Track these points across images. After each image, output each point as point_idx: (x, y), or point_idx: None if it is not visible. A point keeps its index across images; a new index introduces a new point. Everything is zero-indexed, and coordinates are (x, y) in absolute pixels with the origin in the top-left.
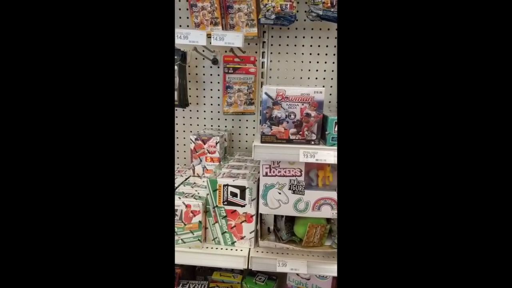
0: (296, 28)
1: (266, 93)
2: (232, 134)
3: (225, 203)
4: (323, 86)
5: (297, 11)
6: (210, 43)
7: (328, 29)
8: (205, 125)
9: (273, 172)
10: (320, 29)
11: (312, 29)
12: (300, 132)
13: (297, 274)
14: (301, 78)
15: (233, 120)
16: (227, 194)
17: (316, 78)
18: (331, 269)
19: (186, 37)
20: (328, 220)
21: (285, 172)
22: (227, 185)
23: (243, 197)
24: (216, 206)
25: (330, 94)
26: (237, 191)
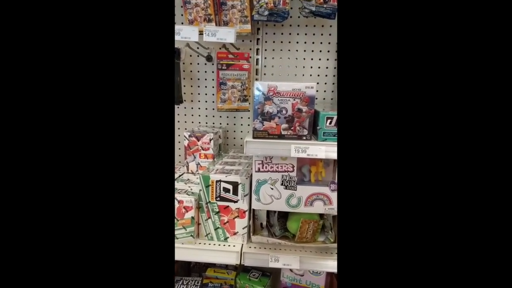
0: (290, 25)
1: (257, 89)
2: (227, 131)
3: (218, 198)
4: (317, 83)
5: (291, 8)
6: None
7: (322, 26)
8: (199, 122)
9: (266, 167)
10: (314, 25)
11: (306, 25)
12: (292, 128)
13: (291, 270)
14: (295, 74)
15: (227, 117)
16: (220, 190)
17: (311, 75)
18: (324, 264)
19: (178, 33)
20: (321, 215)
21: (278, 167)
22: (220, 181)
23: (235, 192)
24: (209, 201)
25: (325, 91)
26: (230, 187)
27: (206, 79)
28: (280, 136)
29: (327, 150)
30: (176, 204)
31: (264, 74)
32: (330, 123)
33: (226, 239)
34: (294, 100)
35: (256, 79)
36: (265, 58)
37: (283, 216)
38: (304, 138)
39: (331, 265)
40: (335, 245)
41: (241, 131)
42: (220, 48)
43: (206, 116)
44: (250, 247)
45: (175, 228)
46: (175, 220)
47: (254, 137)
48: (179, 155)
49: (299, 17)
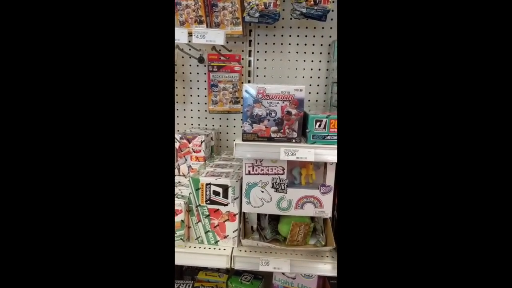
0: (282, 27)
1: (247, 91)
2: (220, 133)
3: (208, 202)
4: (310, 84)
5: (283, 10)
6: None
7: (314, 28)
8: (192, 124)
9: (256, 170)
10: (306, 27)
11: (298, 27)
12: (281, 130)
13: (283, 274)
14: (288, 76)
15: (220, 119)
16: (210, 193)
17: (303, 77)
18: (315, 267)
19: None
20: (312, 218)
21: (268, 170)
22: (210, 184)
23: (226, 196)
24: (199, 205)
25: (317, 93)
26: (220, 190)
27: (198, 81)
28: (270, 139)
29: (317, 153)
30: None
31: (257, 75)
32: (319, 125)
33: (216, 242)
34: (283, 102)
35: (249, 81)
36: (257, 59)
37: (275, 219)
38: (294, 140)
39: (321, 268)
40: (326, 248)
41: (234, 133)
42: (212, 50)
43: (199, 117)
44: (240, 251)
45: None
46: None
47: (243, 140)
48: None
49: (291, 19)
